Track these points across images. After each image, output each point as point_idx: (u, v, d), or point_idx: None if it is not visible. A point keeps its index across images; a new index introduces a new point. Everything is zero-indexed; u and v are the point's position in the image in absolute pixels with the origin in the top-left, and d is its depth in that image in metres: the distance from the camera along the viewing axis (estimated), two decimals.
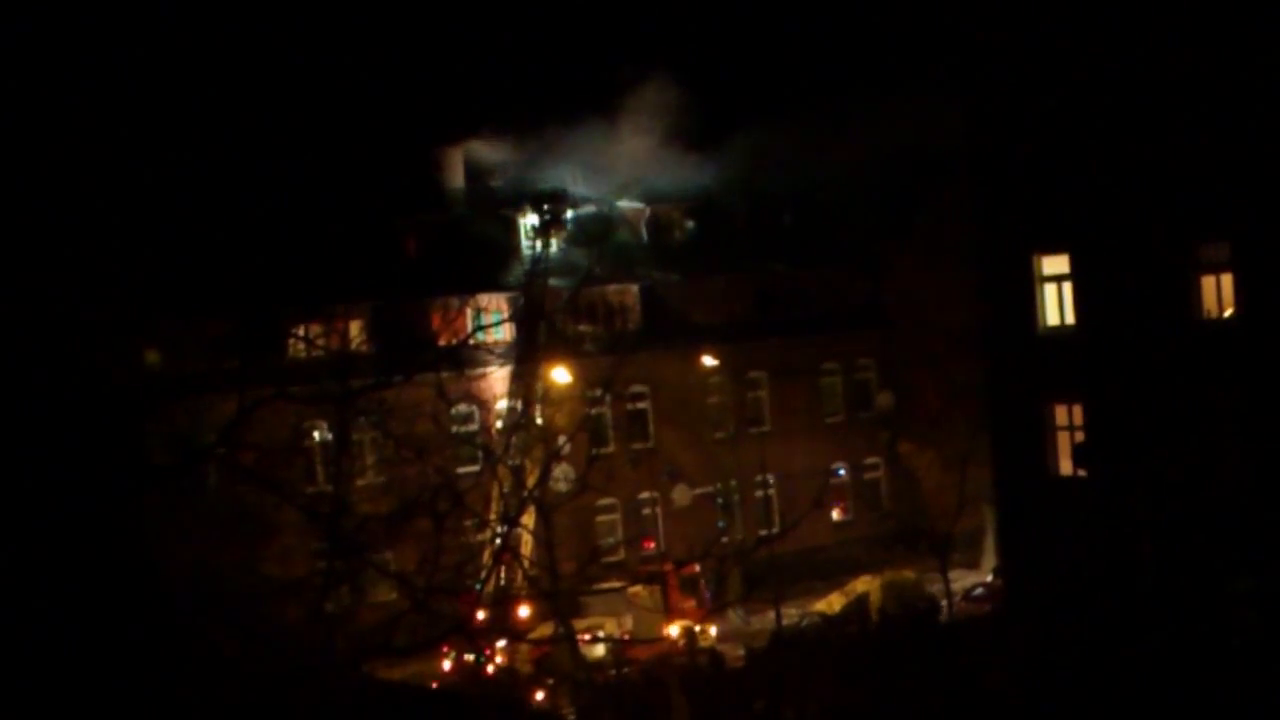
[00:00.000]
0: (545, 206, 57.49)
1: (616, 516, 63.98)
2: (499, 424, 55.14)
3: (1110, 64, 36.38)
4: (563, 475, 47.07)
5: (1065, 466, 37.71)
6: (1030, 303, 38.04)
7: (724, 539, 59.95)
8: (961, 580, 57.25)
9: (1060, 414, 37.94)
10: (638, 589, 51.46)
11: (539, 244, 56.87)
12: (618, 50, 74.81)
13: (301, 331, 34.59)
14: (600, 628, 49.94)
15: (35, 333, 18.56)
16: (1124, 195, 36.17)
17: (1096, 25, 36.68)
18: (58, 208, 19.44)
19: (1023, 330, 38.34)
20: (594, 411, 59.65)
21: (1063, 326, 37.81)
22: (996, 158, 39.13)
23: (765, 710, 41.05)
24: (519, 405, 54.40)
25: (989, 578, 55.44)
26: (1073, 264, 37.52)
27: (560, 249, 57.44)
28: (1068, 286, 37.74)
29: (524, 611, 47.36)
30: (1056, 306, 37.97)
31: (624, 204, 69.29)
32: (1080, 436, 37.34)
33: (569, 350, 58.03)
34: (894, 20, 66.50)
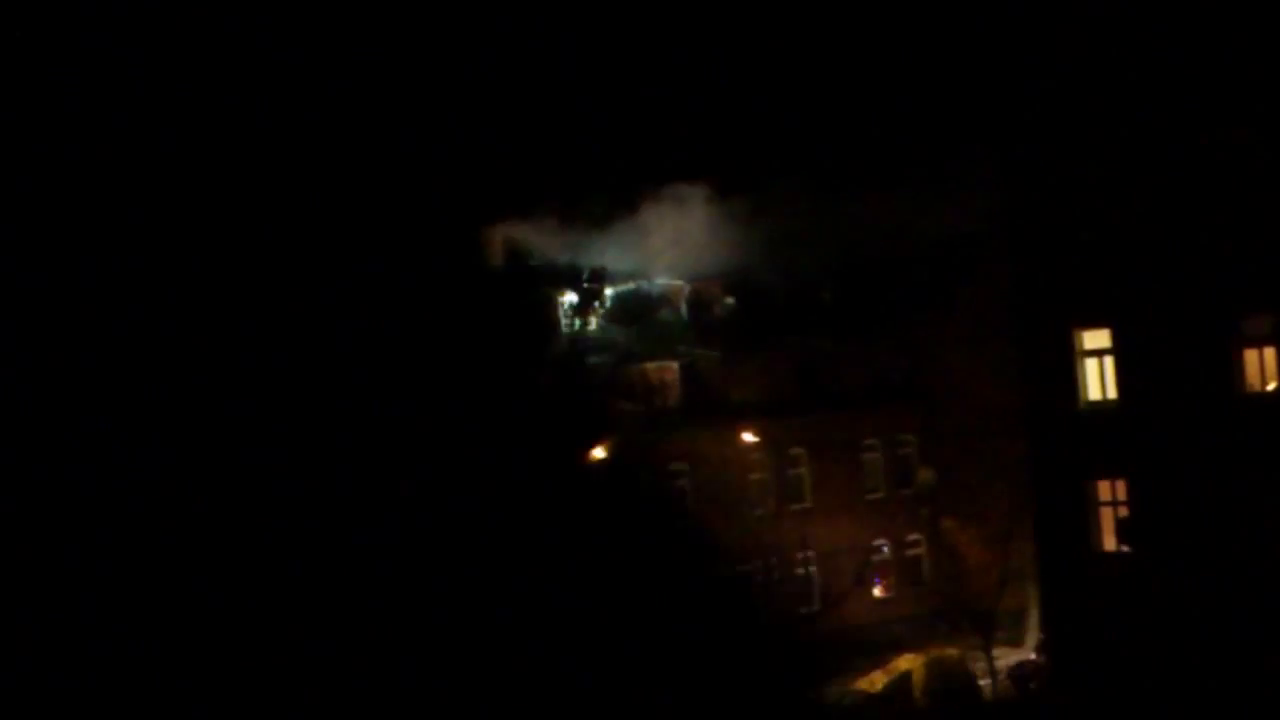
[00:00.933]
0: (584, 284, 57.51)
1: None
2: None
3: (1149, 138, 36.29)
4: None
5: (1109, 542, 37.40)
6: (1071, 378, 37.82)
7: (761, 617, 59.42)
8: (1005, 658, 56.66)
9: (1103, 490, 37.65)
10: None
11: (577, 321, 56.86)
12: (659, 128, 75.00)
13: None
14: None
15: None
16: (1165, 269, 35.99)
17: (1135, 100, 36.60)
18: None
19: (1064, 406, 38.09)
20: None
21: (1104, 401, 37.56)
22: (1035, 233, 38.99)
23: None
24: None
25: (1032, 655, 54.88)
26: (1114, 338, 37.31)
27: (600, 327, 57.41)
28: (1108, 361, 37.51)
29: None
30: (1098, 381, 37.74)
31: (663, 281, 69.31)
32: (1123, 512, 37.03)
33: (607, 427, 57.87)
34: (932, 96, 66.55)
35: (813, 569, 65.03)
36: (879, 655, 59.22)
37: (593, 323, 56.61)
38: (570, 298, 59.72)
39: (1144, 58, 36.59)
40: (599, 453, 54.04)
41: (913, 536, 70.12)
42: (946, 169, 59.71)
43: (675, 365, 66.99)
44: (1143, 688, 35.43)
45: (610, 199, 66.58)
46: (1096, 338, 37.73)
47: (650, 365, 65.44)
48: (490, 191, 68.20)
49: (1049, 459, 39.15)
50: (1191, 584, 34.78)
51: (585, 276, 58.05)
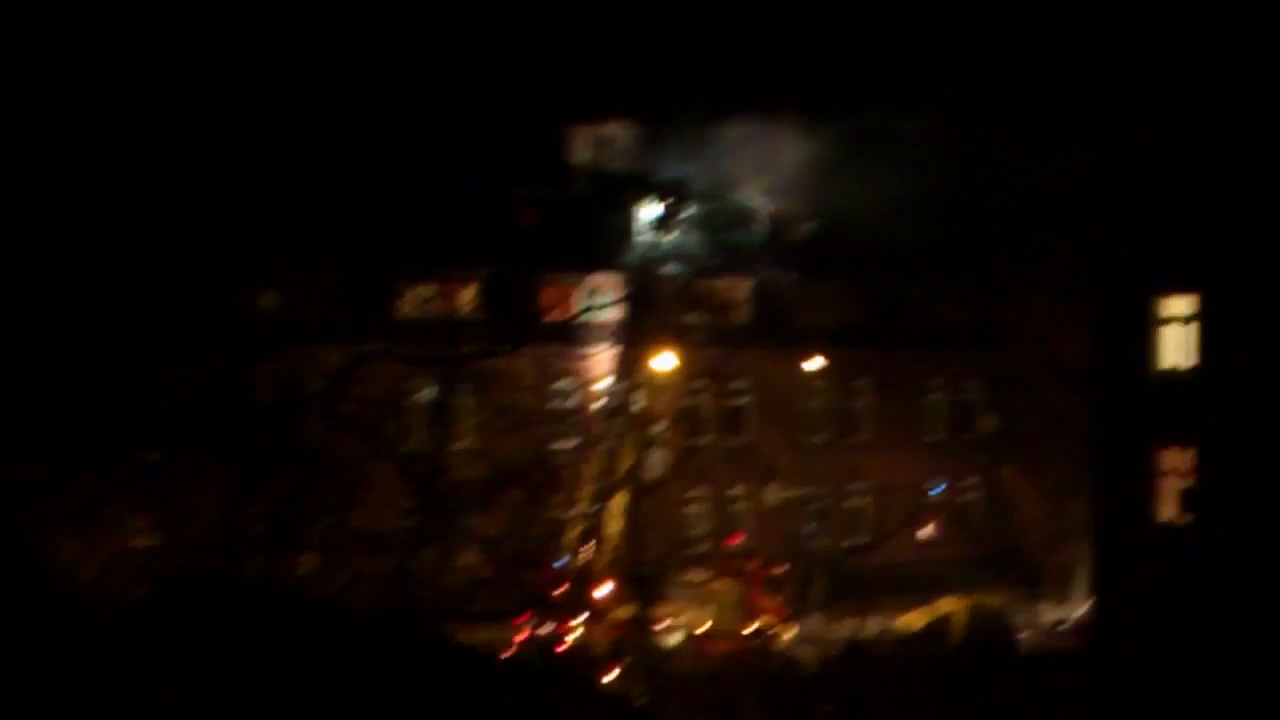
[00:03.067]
0: (665, 198, 57.43)
1: (706, 509, 63.80)
2: (598, 404, 55.12)
3: (1249, 100, 35.83)
4: (656, 462, 46.93)
5: (1168, 511, 37.20)
6: (1148, 343, 37.55)
7: (812, 543, 59.63)
8: (1048, 613, 56.68)
9: (1169, 458, 37.41)
10: (720, 583, 51.27)
11: (656, 232, 56.82)
12: (759, 43, 74.61)
13: (415, 291, 34.76)
14: (679, 617, 49.80)
15: (156, 272, 18.69)
16: (1255, 239, 35.62)
17: (1234, 59, 36.13)
18: (180, 151, 19.57)
19: (1137, 370, 37.84)
20: (694, 402, 59.49)
21: (1178, 369, 37.29)
22: (1124, 193, 38.65)
23: (834, 717, 40.84)
24: (620, 388, 54.32)
25: (1076, 613, 54.87)
26: (1201, 304, 36.94)
27: (677, 238, 57.32)
28: (1187, 328, 37.21)
29: (603, 591, 47.32)
30: (1175, 348, 37.45)
31: (746, 198, 69.04)
32: (1188, 482, 36.81)
33: (676, 339, 57.86)
34: (1030, 46, 65.89)
35: (864, 502, 65.13)
36: (922, 595, 59.37)
37: (671, 235, 56.49)
38: (651, 209, 59.62)
39: (1241, 18, 36.09)
40: (669, 360, 53.97)
41: (968, 481, 70.08)
42: (1041, 117, 59.17)
43: (748, 283, 66.93)
44: (1184, 661, 35.36)
45: (703, 112, 66.31)
46: (1177, 304, 37.40)
47: (724, 280, 65.36)
48: (579, 92, 68.16)
49: (1116, 421, 38.95)
50: (1249, 562, 34.59)
51: (666, 190, 57.95)
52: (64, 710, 10.73)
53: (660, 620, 48.11)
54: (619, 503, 44.52)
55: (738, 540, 62.44)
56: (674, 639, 47.60)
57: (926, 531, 67.89)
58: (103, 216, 17.92)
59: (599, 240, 61.62)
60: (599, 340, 50.01)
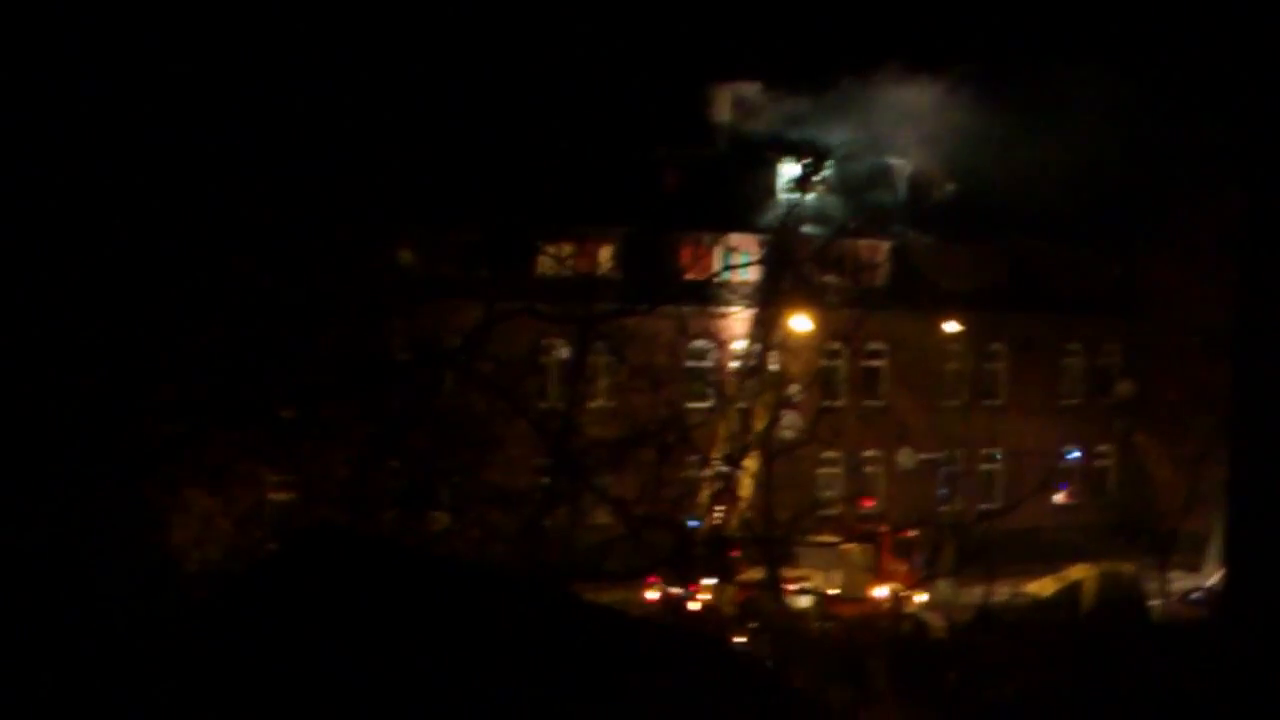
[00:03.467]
0: (805, 161, 57.32)
1: (838, 471, 63.81)
2: (734, 365, 55.22)
3: None
4: (790, 424, 46.97)
5: None
6: None
7: (944, 508, 59.48)
8: (1180, 582, 56.22)
9: None
10: (851, 546, 51.32)
11: (794, 192, 56.77)
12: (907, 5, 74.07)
13: (553, 250, 34.98)
14: (809, 580, 49.90)
15: (295, 225, 19.02)
16: None
17: None
18: (325, 104, 19.87)
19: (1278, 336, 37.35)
20: (830, 364, 59.47)
21: None
22: (1268, 156, 38.06)
23: (961, 683, 40.79)
24: (756, 349, 54.37)
25: (1209, 582, 54.39)
26: None
27: (817, 197, 57.24)
28: None
29: (734, 553, 47.52)
30: None
31: (887, 158, 68.77)
32: None
33: (812, 300, 57.81)
34: (1173, 6, 65.04)
35: (998, 466, 64.88)
36: (1053, 561, 59.07)
37: (810, 195, 56.39)
38: (790, 169, 59.59)
39: None
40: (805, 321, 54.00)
41: (1103, 447, 69.60)
42: (1188, 83, 58.45)
43: (886, 245, 66.77)
44: None
45: (847, 70, 66.10)
46: None
47: (862, 241, 65.21)
48: (727, 50, 68.10)
49: (1255, 388, 38.48)
50: None
51: (806, 150, 57.86)
52: (188, 663, 11.04)
53: (790, 583, 48.24)
54: (752, 464, 44.64)
55: (869, 504, 62.42)
56: (804, 602, 47.71)
57: (1060, 497, 67.52)
58: (237, 169, 18.24)
59: (738, 200, 61.70)
60: (736, 301, 50.08)
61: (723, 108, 68.39)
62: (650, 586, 43.95)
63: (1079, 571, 56.63)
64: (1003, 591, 55.18)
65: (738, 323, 54.70)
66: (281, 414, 19.67)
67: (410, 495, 21.40)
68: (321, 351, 19.07)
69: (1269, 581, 37.04)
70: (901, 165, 69.73)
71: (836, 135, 62.09)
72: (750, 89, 67.89)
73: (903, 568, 53.76)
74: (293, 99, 19.21)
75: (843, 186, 61.38)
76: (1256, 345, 38.50)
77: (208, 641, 11.83)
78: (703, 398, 49.84)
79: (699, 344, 54.01)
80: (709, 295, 48.53)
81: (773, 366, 54.11)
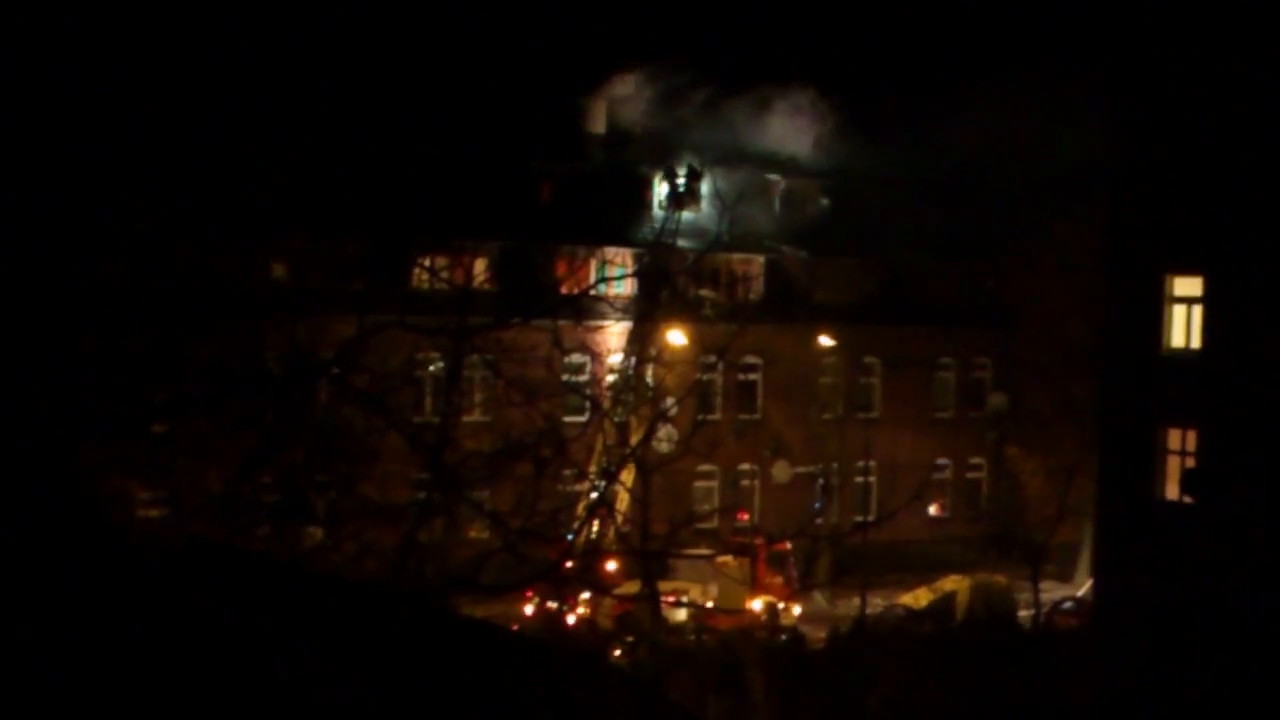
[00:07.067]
0: (680, 173, 57.46)
1: (714, 484, 63.99)
2: (610, 378, 55.24)
3: (1263, 80, 35.85)
4: (666, 437, 47.00)
5: (1172, 491, 37.32)
6: (1156, 323, 37.63)
7: (818, 520, 59.79)
8: (1052, 592, 56.85)
9: (1173, 438, 37.53)
10: (726, 559, 51.38)
11: (670, 207, 56.85)
12: (774, 21, 74.58)
13: (427, 262, 34.83)
14: (685, 593, 49.97)
15: (163, 239, 18.83)
16: (1262, 220, 35.68)
17: (1246, 38, 36.15)
18: (193, 117, 19.70)
19: (1145, 350, 37.93)
20: (705, 377, 59.62)
21: (1186, 349, 37.37)
22: (1138, 172, 38.66)
23: (843, 693, 41.04)
24: (632, 362, 54.44)
25: (1080, 592, 55.06)
26: (1206, 286, 37.04)
27: (691, 213, 57.34)
28: (1196, 309, 37.28)
29: (611, 566, 47.49)
30: (1182, 329, 37.53)
31: (760, 174, 69.11)
32: (1191, 462, 36.92)
33: (688, 313, 57.99)
34: (1052, 19, 65.91)
35: (872, 479, 65.31)
36: (927, 573, 59.57)
37: (685, 210, 56.43)
38: (665, 184, 59.72)
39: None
40: (681, 335, 53.98)
41: (975, 459, 70.26)
42: (1059, 100, 59.20)
43: (761, 259, 67.03)
44: (1185, 640, 35.48)
45: (718, 86, 66.41)
46: (1187, 285, 37.47)
47: (737, 256, 65.46)
48: (599, 62, 68.20)
49: (1122, 401, 39.05)
50: (1251, 544, 34.70)
51: (682, 171, 57.99)
52: (54, 686, 10.88)
53: (668, 596, 48.28)
54: (628, 478, 44.64)
55: (745, 517, 62.63)
56: (680, 615, 47.78)
57: (933, 509, 68.09)
58: (108, 176, 17.98)
59: (613, 214, 61.73)
60: (612, 314, 50.08)
61: (598, 121, 68.48)
62: (528, 600, 43.84)
63: (952, 583, 57.18)
64: (877, 603, 55.60)
65: (614, 336, 54.77)
66: (153, 428, 19.42)
67: (285, 510, 21.18)
68: (194, 364, 18.82)
69: (1136, 591, 37.58)
70: (775, 180, 70.09)
71: (711, 150, 62.37)
72: (627, 103, 68.05)
73: (778, 580, 53.97)
74: (162, 108, 18.96)
75: (717, 202, 61.60)
76: (1120, 356, 39.11)
77: (76, 659, 11.67)
78: (580, 411, 49.79)
79: (576, 358, 53.92)
80: (585, 309, 48.48)
81: (649, 379, 54.18)
